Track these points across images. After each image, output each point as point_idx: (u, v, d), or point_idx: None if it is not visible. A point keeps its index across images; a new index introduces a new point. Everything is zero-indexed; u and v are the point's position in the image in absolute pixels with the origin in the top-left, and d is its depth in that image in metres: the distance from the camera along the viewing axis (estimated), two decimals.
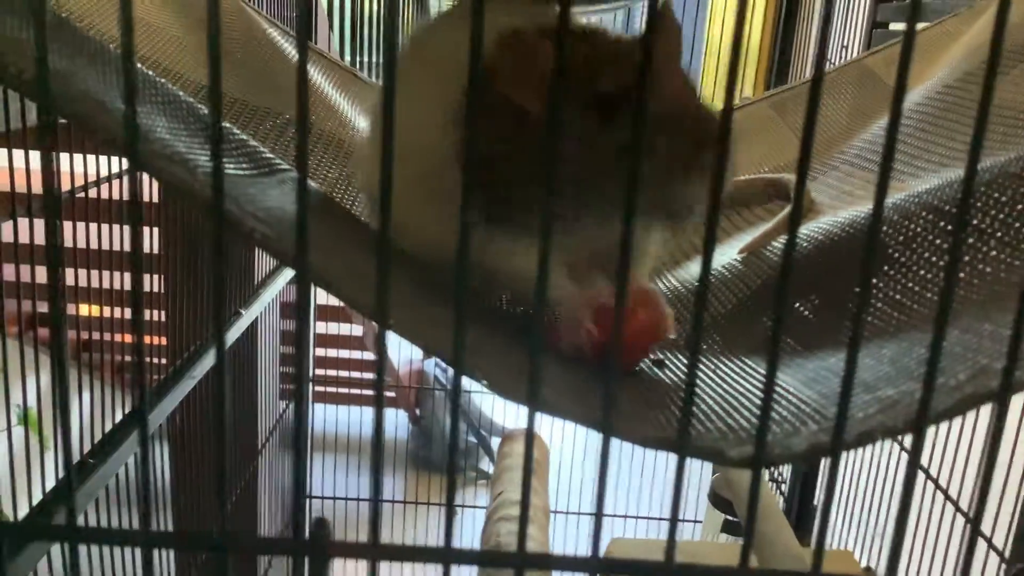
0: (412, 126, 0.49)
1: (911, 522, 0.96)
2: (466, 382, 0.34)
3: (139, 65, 0.40)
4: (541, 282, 0.33)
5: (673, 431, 0.36)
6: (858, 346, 0.33)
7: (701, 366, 0.49)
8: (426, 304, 0.39)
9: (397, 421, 2.05)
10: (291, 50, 0.78)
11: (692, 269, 0.71)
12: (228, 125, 0.44)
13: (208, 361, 0.88)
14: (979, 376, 0.36)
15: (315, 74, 0.80)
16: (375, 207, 0.59)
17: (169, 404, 0.81)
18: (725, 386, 0.46)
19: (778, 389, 0.42)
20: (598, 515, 0.30)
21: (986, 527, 0.85)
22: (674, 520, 0.32)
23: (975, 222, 0.48)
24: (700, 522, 1.62)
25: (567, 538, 1.67)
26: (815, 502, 1.29)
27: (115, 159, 0.68)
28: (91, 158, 0.64)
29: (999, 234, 0.48)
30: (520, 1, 0.53)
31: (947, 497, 0.93)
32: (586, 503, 1.66)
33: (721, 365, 0.50)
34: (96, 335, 0.77)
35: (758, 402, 0.41)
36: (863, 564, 1.00)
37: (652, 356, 0.52)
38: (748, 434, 0.38)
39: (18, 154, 0.56)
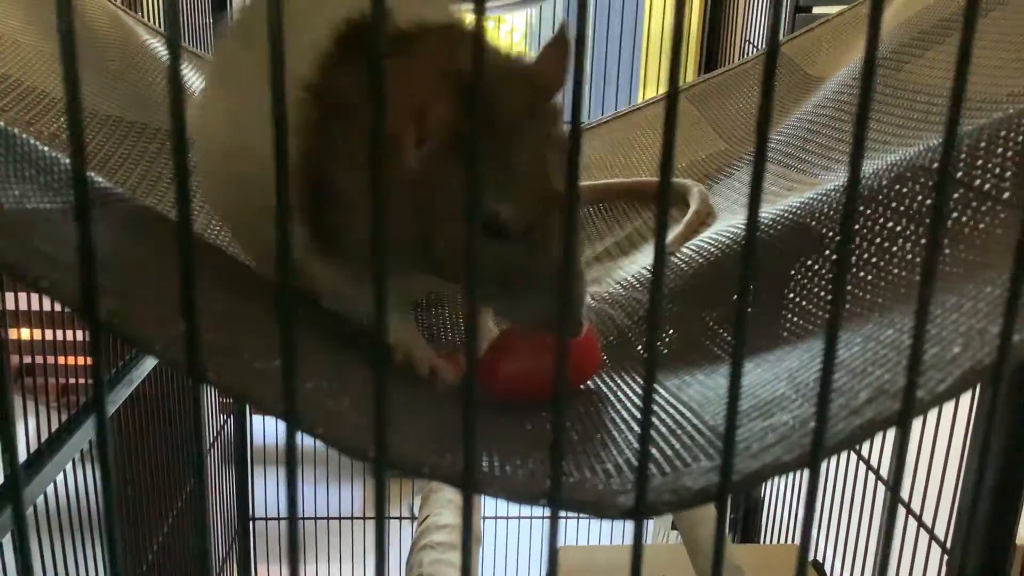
0: (247, 125, 0.44)
1: (858, 515, 0.94)
2: None
3: None
4: (381, 321, 0.29)
5: (545, 480, 0.33)
6: (740, 369, 0.30)
7: (600, 387, 0.46)
8: (262, 344, 0.35)
9: None
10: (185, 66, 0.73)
11: (615, 272, 0.67)
12: (56, 154, 0.39)
13: (137, 378, 0.86)
14: (879, 396, 0.34)
15: (195, 79, 0.74)
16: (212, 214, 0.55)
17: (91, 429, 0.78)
18: (623, 413, 0.42)
19: (674, 415, 0.39)
20: None
21: (927, 517, 0.83)
22: None
23: (882, 221, 0.45)
24: (651, 519, 1.60)
25: (519, 544, 1.64)
26: (762, 496, 1.28)
27: None
28: None
29: (908, 231, 0.45)
30: None
31: (877, 475, 0.92)
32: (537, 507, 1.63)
33: (623, 387, 0.46)
34: (36, 358, 0.75)
35: (650, 434, 0.38)
36: (811, 558, 0.98)
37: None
38: (636, 475, 0.34)
39: None
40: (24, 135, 0.39)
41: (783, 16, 1.17)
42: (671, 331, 0.53)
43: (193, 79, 0.75)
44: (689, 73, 1.47)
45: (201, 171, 0.47)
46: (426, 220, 0.40)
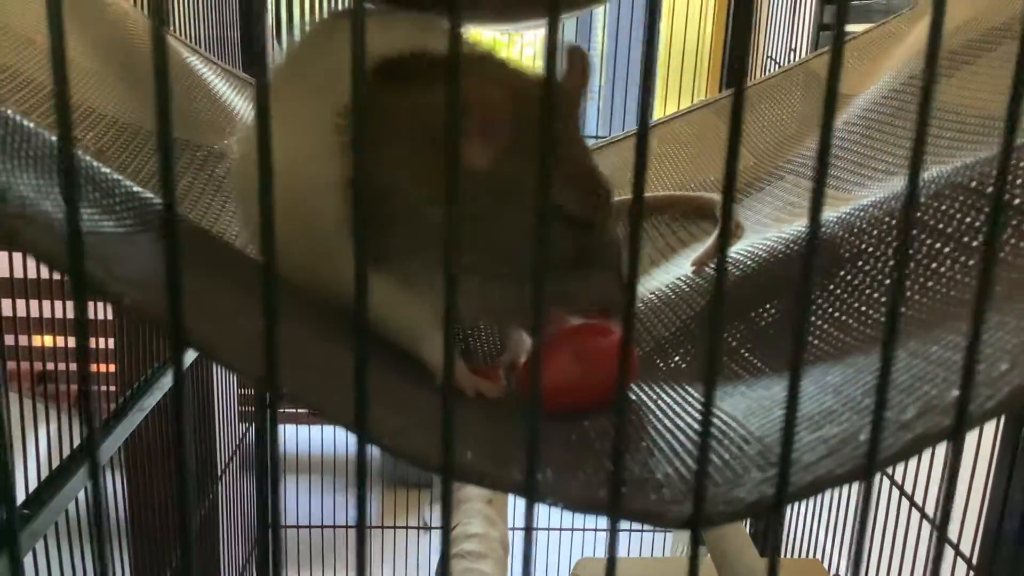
0: (290, 151, 0.45)
1: (881, 531, 0.94)
2: None
3: (9, 112, 0.36)
4: (448, 337, 0.30)
5: (603, 490, 0.33)
6: (798, 382, 0.30)
7: (640, 397, 0.47)
8: (326, 358, 0.36)
9: None
10: (213, 78, 0.74)
11: (649, 283, 0.68)
12: (116, 177, 0.40)
13: (160, 390, 0.86)
14: (929, 412, 0.34)
15: (232, 95, 0.76)
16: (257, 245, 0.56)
17: (121, 434, 0.79)
18: (666, 422, 0.43)
19: (720, 425, 0.40)
20: None
21: (952, 534, 0.83)
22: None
23: (922, 237, 0.46)
24: (671, 532, 1.60)
25: (537, 555, 1.64)
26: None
27: None
28: None
29: (947, 249, 0.46)
30: (406, 16, 0.50)
31: (912, 503, 0.92)
32: (556, 517, 1.64)
33: (663, 396, 0.47)
34: (52, 366, 0.76)
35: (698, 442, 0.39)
36: (832, 573, 0.98)
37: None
38: (688, 486, 0.35)
39: None
40: (89, 157, 0.40)
41: (807, 35, 1.18)
42: (692, 348, 0.54)
43: (229, 94, 0.76)
44: (711, 88, 1.48)
45: (245, 198, 0.50)
46: (493, 216, 0.43)
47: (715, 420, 0.41)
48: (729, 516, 0.32)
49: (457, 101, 0.27)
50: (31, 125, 0.37)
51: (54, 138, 0.37)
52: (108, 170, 0.41)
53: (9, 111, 0.36)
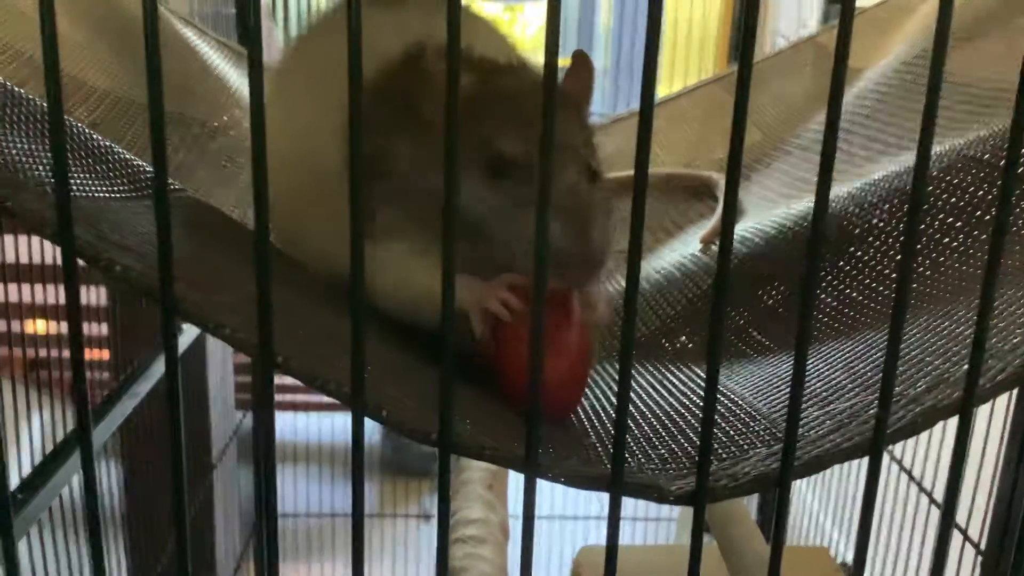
0: (301, 132, 0.45)
1: (889, 517, 0.94)
2: None
3: (1, 80, 0.35)
4: (448, 304, 0.29)
5: (605, 466, 0.32)
6: (804, 358, 0.29)
7: (646, 377, 0.46)
8: (323, 329, 0.35)
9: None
10: (209, 51, 0.73)
11: (655, 262, 0.67)
12: (108, 144, 0.39)
13: (153, 377, 0.85)
14: (939, 385, 0.33)
15: (238, 78, 0.75)
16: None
17: (115, 419, 0.78)
18: (671, 400, 0.42)
19: (725, 403, 0.39)
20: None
21: (962, 522, 0.82)
22: None
23: (933, 212, 0.45)
24: (675, 520, 1.59)
25: (536, 544, 1.63)
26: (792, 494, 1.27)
27: None
28: None
29: (959, 223, 0.45)
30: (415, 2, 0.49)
31: (920, 488, 0.91)
32: (557, 505, 1.63)
33: (669, 375, 0.46)
34: (45, 352, 0.75)
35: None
36: (839, 562, 0.97)
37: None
38: (692, 461, 0.34)
39: None
40: (79, 124, 0.39)
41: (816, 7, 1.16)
42: (699, 328, 0.52)
43: (225, 67, 0.75)
44: (718, 65, 1.46)
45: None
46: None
47: (721, 398, 0.40)
48: (733, 491, 0.31)
49: (456, 85, 0.26)
50: (21, 91, 0.36)
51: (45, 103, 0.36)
52: (100, 137, 0.40)
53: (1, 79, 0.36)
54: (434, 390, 0.29)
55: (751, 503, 1.33)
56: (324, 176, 0.41)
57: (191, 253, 0.34)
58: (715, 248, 0.57)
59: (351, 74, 0.26)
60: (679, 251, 0.61)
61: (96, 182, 0.35)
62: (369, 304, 0.30)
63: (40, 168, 0.32)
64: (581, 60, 0.45)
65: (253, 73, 0.26)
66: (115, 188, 0.35)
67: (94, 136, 0.39)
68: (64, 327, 0.76)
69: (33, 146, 0.33)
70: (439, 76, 0.38)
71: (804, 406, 0.35)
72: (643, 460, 0.35)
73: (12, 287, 0.67)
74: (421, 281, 0.38)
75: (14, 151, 0.32)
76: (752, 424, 0.36)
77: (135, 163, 0.39)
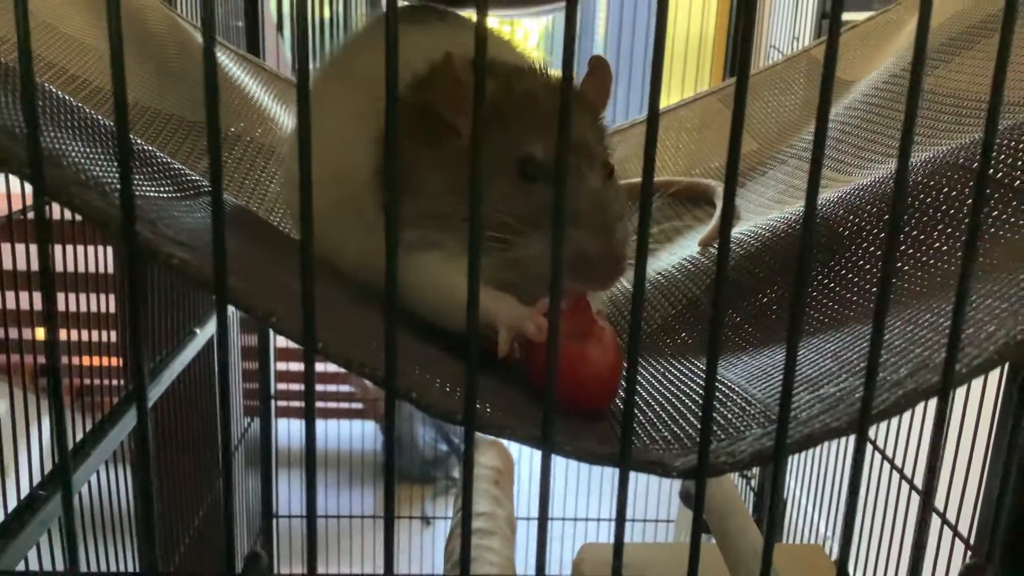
0: (334, 146, 0.48)
1: (882, 514, 0.96)
2: None
3: (53, 89, 0.38)
4: (473, 294, 0.32)
5: (615, 444, 0.35)
6: (796, 344, 0.32)
7: (649, 370, 0.49)
8: (358, 323, 0.38)
9: (364, 433, 2.03)
10: (229, 63, 0.76)
11: (655, 264, 0.70)
12: (150, 148, 0.42)
13: (162, 383, 0.88)
14: (920, 371, 0.36)
15: (253, 86, 0.78)
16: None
17: (127, 425, 0.80)
18: (673, 389, 0.45)
19: (723, 389, 0.42)
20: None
21: (951, 515, 0.85)
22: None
23: (917, 215, 0.48)
24: (673, 521, 1.62)
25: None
26: (785, 495, 1.29)
27: None
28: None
29: (941, 225, 0.48)
30: (441, 20, 0.52)
31: (912, 487, 0.93)
32: (559, 508, 1.65)
33: (671, 368, 0.49)
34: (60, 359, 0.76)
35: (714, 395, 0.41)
36: (833, 559, 1.00)
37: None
38: (693, 442, 0.37)
39: None
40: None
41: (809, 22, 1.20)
42: (698, 325, 0.55)
43: (243, 78, 0.79)
44: (714, 78, 1.50)
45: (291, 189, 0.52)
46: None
47: (718, 386, 0.43)
48: (731, 467, 0.34)
49: (483, 92, 0.29)
50: (73, 100, 0.39)
51: (94, 113, 0.39)
52: (141, 141, 0.43)
53: (52, 88, 0.38)
54: (459, 378, 0.31)
55: (749, 504, 1.36)
56: (357, 185, 0.44)
57: (236, 250, 0.37)
58: (713, 250, 0.60)
59: (388, 91, 0.29)
60: (679, 254, 0.64)
61: (146, 183, 0.38)
62: (400, 304, 0.33)
63: (97, 169, 0.35)
64: (599, 64, 0.48)
65: (301, 101, 0.29)
66: (162, 189, 0.38)
67: (137, 141, 0.42)
68: (73, 334, 0.77)
69: (88, 149, 0.36)
70: (468, 84, 0.42)
71: (795, 390, 0.38)
72: (648, 441, 0.38)
73: (24, 295, 0.68)
74: (451, 285, 0.40)
75: (75, 154, 0.35)
76: (748, 408, 0.39)
77: (175, 166, 0.42)
